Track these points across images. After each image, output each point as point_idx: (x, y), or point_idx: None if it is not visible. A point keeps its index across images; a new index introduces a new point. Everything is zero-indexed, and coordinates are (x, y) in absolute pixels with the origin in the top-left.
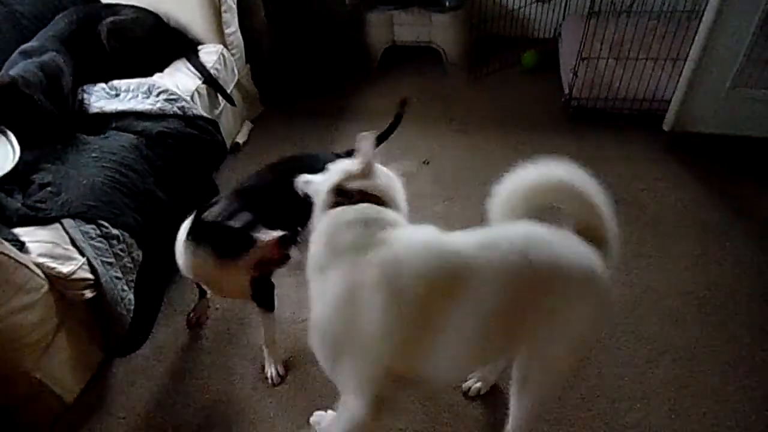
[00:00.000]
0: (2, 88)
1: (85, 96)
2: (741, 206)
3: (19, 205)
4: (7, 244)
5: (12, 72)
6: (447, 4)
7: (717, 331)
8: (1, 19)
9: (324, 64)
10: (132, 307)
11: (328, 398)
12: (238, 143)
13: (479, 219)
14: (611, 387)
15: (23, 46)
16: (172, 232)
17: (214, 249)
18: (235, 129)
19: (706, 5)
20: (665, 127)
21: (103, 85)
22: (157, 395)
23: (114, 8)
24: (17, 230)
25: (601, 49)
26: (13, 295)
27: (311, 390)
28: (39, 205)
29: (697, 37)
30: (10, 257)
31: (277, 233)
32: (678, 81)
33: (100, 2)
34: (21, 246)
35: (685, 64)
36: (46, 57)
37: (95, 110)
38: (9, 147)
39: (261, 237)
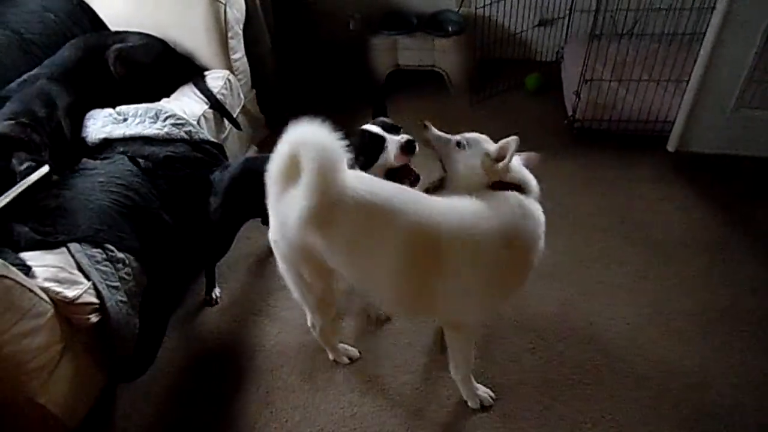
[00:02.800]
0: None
1: (93, 121)
2: (746, 225)
3: (27, 229)
4: (13, 268)
5: (5, 123)
6: (450, 28)
7: (727, 352)
8: (14, 47)
9: (329, 89)
10: (137, 332)
11: None
12: None
13: None
14: (623, 410)
15: (24, 76)
16: (177, 255)
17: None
18: (240, 153)
19: (707, 27)
20: (669, 148)
21: (110, 110)
22: (161, 420)
23: (121, 35)
24: (24, 255)
25: (603, 71)
26: (19, 320)
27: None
28: (46, 229)
29: (698, 59)
30: (16, 282)
31: (403, 138)
32: (681, 102)
33: (109, 30)
34: (27, 270)
35: (687, 85)
36: (35, 87)
37: (103, 135)
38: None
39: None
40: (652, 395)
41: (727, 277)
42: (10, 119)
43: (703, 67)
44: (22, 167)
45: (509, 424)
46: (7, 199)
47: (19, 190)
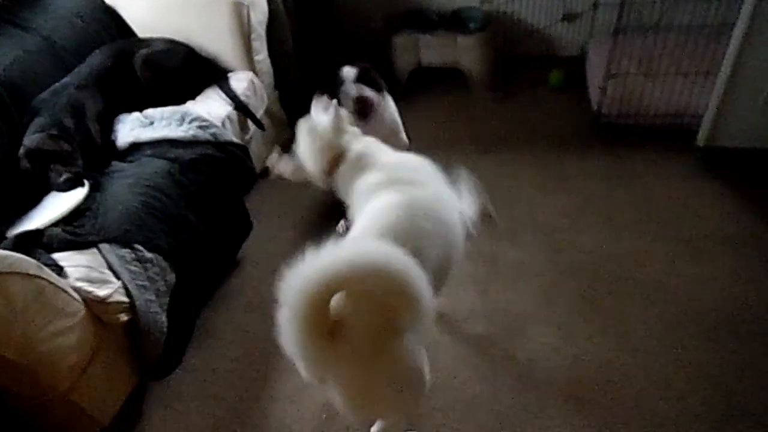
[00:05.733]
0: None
1: (121, 125)
2: None
3: (59, 230)
4: (46, 269)
5: (35, 137)
6: (472, 26)
7: (760, 353)
8: (44, 53)
9: None
10: (165, 330)
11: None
12: (267, 167)
13: (507, 237)
14: (648, 411)
15: (55, 85)
16: (204, 255)
17: None
18: (264, 153)
19: (737, 18)
20: (699, 143)
21: (138, 114)
22: (189, 418)
23: (147, 41)
24: (56, 255)
25: (629, 65)
26: (52, 319)
27: None
28: (77, 230)
29: (729, 50)
30: (49, 282)
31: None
32: (711, 95)
33: (136, 37)
34: (60, 270)
35: (717, 77)
36: (64, 97)
37: (131, 139)
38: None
39: None
40: (679, 395)
41: (762, 276)
42: (40, 132)
43: (733, 59)
44: (61, 180)
45: (536, 422)
46: (55, 219)
47: (67, 212)
